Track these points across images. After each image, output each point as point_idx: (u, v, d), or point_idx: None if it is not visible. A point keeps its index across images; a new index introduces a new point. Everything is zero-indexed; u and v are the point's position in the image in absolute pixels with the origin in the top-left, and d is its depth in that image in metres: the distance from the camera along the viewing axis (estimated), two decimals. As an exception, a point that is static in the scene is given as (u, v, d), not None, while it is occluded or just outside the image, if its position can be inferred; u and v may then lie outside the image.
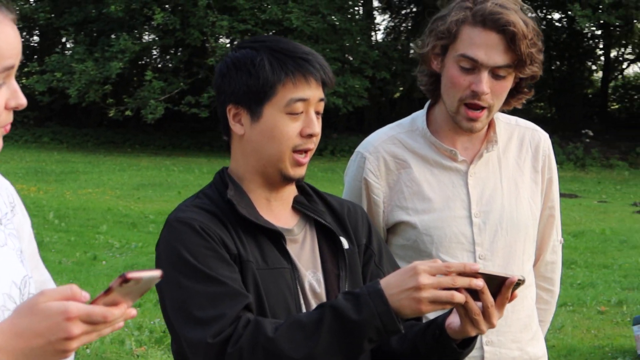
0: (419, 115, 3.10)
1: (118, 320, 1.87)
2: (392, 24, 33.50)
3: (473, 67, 2.88)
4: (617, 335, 8.49)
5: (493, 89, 2.90)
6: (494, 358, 3.00)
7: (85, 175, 19.68)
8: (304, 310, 2.47)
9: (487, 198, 3.02)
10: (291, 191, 2.59)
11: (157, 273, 1.85)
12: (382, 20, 35.41)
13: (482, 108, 2.92)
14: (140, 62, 28.87)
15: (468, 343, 2.42)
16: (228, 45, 27.83)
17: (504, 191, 3.04)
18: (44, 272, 2.41)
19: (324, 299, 2.50)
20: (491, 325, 2.30)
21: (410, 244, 2.99)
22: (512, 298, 2.31)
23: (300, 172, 2.51)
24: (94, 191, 17.41)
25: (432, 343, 2.41)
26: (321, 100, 2.50)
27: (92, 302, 1.85)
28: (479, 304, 2.27)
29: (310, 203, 2.61)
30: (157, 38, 27.74)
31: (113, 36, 26.35)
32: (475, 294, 2.25)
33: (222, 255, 2.39)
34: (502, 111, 3.08)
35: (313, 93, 2.48)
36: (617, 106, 34.92)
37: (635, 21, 28.53)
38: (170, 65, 28.59)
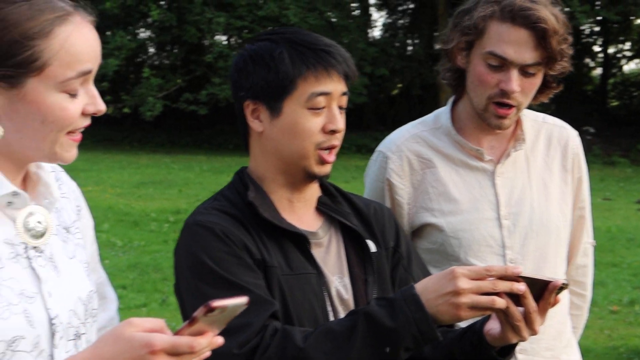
0: (443, 113, 2.97)
1: (204, 350, 1.80)
2: (390, 21, 33.39)
3: (501, 64, 2.77)
4: (631, 335, 8.36)
5: (522, 87, 2.79)
6: None
7: (85, 173, 19.49)
8: (331, 317, 2.35)
9: (516, 199, 2.89)
10: (314, 191, 2.46)
11: (242, 300, 1.79)
12: (379, 17, 35.36)
13: (512, 106, 2.80)
14: (137, 60, 28.75)
15: (508, 350, 2.29)
16: (225, 42, 27.71)
17: (533, 192, 2.91)
18: (102, 273, 2.35)
19: (352, 306, 2.38)
20: (533, 332, 2.18)
21: (436, 248, 2.87)
22: (554, 303, 2.19)
23: (325, 170, 2.39)
24: (94, 189, 17.23)
25: (470, 350, 2.30)
26: (344, 94, 2.38)
27: (177, 332, 1.79)
28: (521, 309, 2.16)
29: (334, 204, 2.48)
30: (153, 35, 27.61)
31: (109, 33, 26.24)
32: (516, 298, 2.15)
33: (245, 261, 2.27)
34: (529, 107, 2.95)
35: (335, 87, 2.35)
36: (616, 103, 34.80)
37: (633, 17, 28.44)
38: (167, 62, 28.45)
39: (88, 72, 1.97)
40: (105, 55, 24.98)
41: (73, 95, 1.98)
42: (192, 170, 21.11)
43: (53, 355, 1.99)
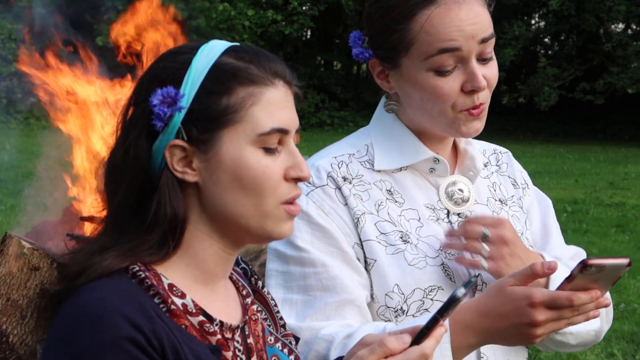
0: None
1: (588, 307, 1.86)
2: None
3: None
4: None
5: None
6: None
7: (480, 161, 19.85)
8: None
9: None
10: None
11: (622, 261, 1.79)
12: None
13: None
14: (532, 48, 28.70)
15: None
16: (623, 30, 26.98)
17: None
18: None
19: None
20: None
21: None
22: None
23: None
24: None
25: None
26: None
27: (558, 288, 1.87)
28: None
29: None
30: (550, 24, 27.43)
31: (506, 23, 26.39)
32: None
33: None
34: None
35: None
36: None
37: None
38: (563, 51, 28.17)
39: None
40: (502, 45, 25.22)
41: (441, 73, 2.08)
42: (588, 161, 20.79)
43: None
